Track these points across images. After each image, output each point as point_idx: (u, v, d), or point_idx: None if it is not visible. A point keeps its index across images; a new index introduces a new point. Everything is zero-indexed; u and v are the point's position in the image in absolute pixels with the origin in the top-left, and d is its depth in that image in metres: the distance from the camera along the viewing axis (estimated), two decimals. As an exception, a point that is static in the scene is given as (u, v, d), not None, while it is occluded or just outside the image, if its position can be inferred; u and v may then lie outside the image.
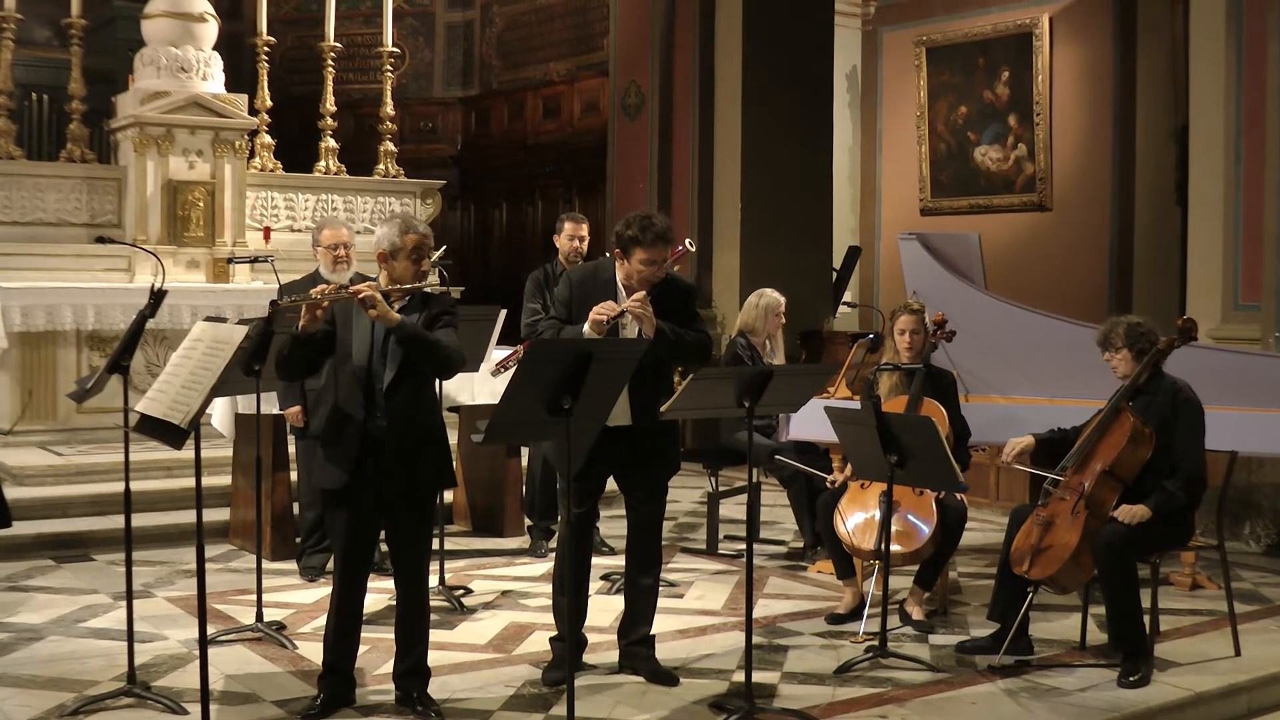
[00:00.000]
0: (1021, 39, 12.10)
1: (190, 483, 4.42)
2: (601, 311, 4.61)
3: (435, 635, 4.77)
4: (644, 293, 4.64)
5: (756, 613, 5.43)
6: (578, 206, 13.09)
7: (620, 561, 6.52)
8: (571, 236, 6.95)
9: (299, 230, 10.00)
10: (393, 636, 4.63)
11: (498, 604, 6.02)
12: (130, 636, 4.64)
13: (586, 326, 4.63)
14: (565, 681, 4.69)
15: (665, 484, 4.97)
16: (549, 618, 5.14)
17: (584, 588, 4.95)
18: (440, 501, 6.27)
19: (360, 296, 4.27)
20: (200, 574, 4.16)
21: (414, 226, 4.49)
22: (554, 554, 5.07)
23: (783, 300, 7.19)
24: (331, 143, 10.42)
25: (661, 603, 5.18)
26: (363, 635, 4.67)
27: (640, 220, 4.70)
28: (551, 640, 4.98)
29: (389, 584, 5.36)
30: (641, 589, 4.97)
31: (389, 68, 10.79)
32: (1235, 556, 6.82)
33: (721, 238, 11.18)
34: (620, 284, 4.77)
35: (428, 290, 4.51)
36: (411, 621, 4.55)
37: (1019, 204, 12.26)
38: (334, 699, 4.49)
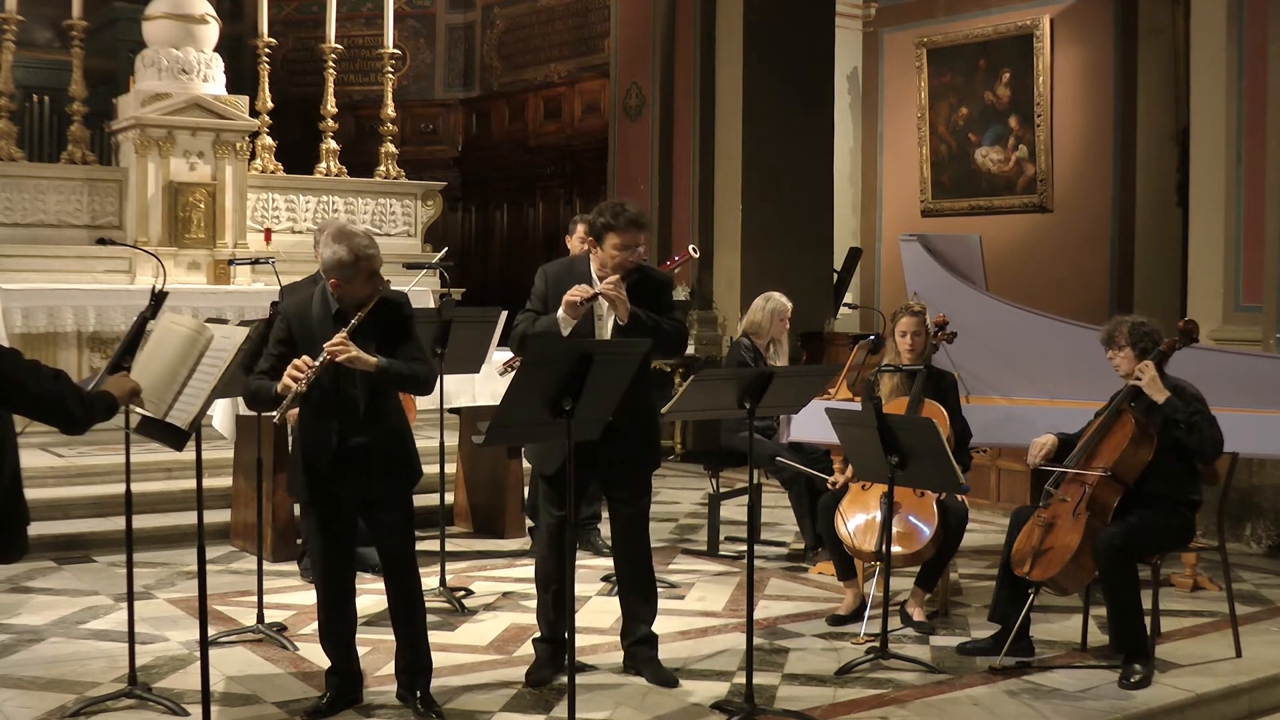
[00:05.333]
0: (1022, 40, 12.10)
1: (191, 484, 4.42)
2: (575, 294, 4.63)
3: (436, 637, 4.77)
4: (617, 276, 4.66)
5: (757, 614, 5.45)
6: (578, 208, 13.08)
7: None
8: (583, 239, 6.93)
9: (300, 232, 10.02)
10: (391, 638, 4.62)
11: (498, 605, 6.02)
12: (131, 638, 4.65)
13: (560, 311, 4.65)
14: (548, 682, 4.74)
15: (647, 481, 4.97)
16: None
17: (565, 590, 4.93)
18: (441, 503, 6.29)
19: (336, 360, 4.23)
20: (201, 575, 4.17)
21: (360, 249, 4.31)
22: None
23: (790, 305, 7.21)
24: (332, 144, 10.43)
25: (662, 604, 5.18)
26: (364, 637, 4.70)
27: (612, 207, 4.76)
28: (534, 641, 4.99)
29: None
30: (633, 589, 4.97)
31: (390, 69, 10.81)
32: (1236, 558, 6.82)
33: (722, 239, 11.18)
34: (595, 274, 4.78)
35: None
36: (404, 617, 4.53)
37: (1020, 205, 12.26)
38: (341, 698, 4.50)
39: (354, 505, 4.48)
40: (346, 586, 4.56)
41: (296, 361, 4.25)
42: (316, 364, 4.24)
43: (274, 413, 4.41)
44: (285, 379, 4.24)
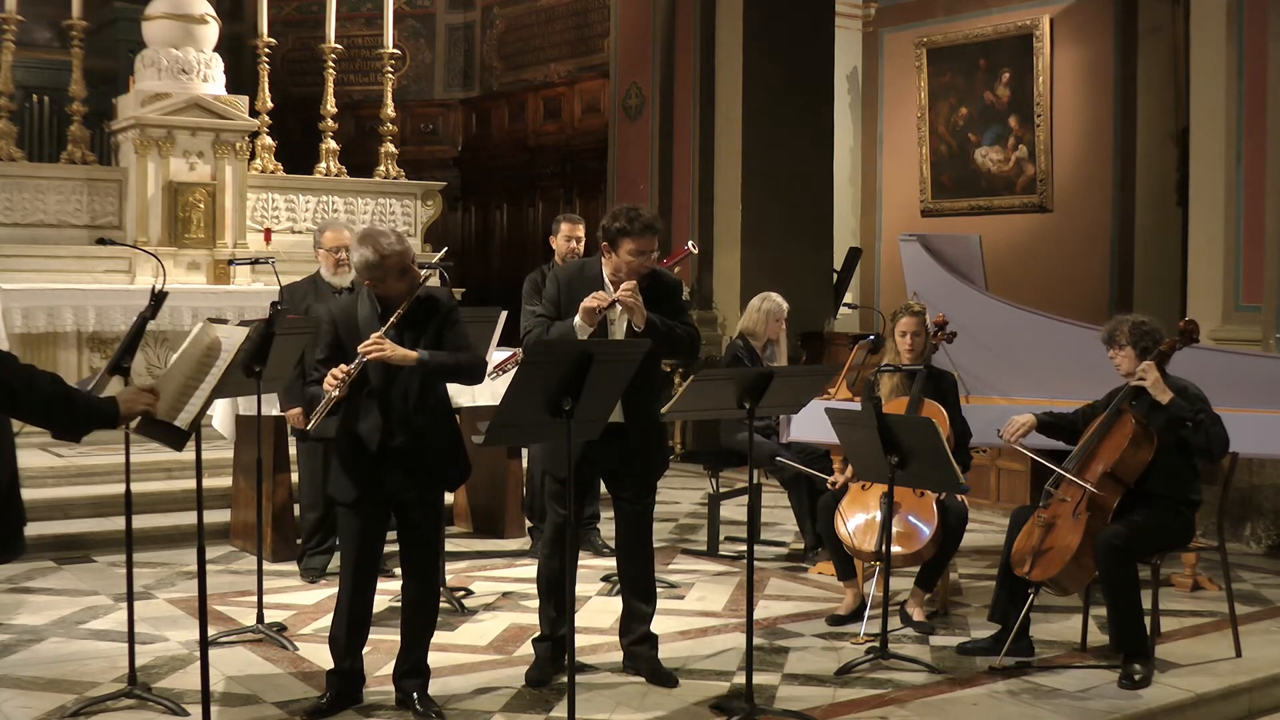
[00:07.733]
0: (1022, 40, 12.10)
1: (191, 484, 4.42)
2: (594, 300, 4.62)
3: (436, 636, 4.77)
4: (634, 282, 4.66)
5: (757, 614, 5.44)
6: (578, 208, 13.09)
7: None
8: (568, 237, 6.94)
9: (300, 232, 10.02)
10: (392, 637, 4.64)
11: (498, 605, 6.02)
12: (131, 638, 4.65)
13: (578, 318, 4.64)
14: (548, 682, 4.74)
15: (654, 482, 4.98)
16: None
17: (567, 589, 4.93)
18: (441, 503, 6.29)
19: (370, 358, 4.30)
20: (201, 575, 4.17)
21: (386, 247, 4.36)
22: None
23: (785, 305, 7.20)
24: (332, 144, 10.43)
25: (662, 604, 5.18)
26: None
27: (627, 212, 4.72)
28: (534, 641, 4.99)
29: (390, 585, 5.39)
30: (634, 588, 4.97)
31: (390, 69, 10.81)
32: (1236, 558, 6.82)
33: (722, 239, 11.19)
34: (607, 279, 4.78)
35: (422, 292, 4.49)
36: (418, 619, 4.55)
37: (1020, 205, 12.27)
38: (341, 697, 4.50)
39: (394, 502, 4.49)
40: (369, 595, 4.57)
41: (334, 370, 4.33)
42: (352, 368, 4.31)
43: (311, 419, 4.44)
44: (325, 384, 4.33)
